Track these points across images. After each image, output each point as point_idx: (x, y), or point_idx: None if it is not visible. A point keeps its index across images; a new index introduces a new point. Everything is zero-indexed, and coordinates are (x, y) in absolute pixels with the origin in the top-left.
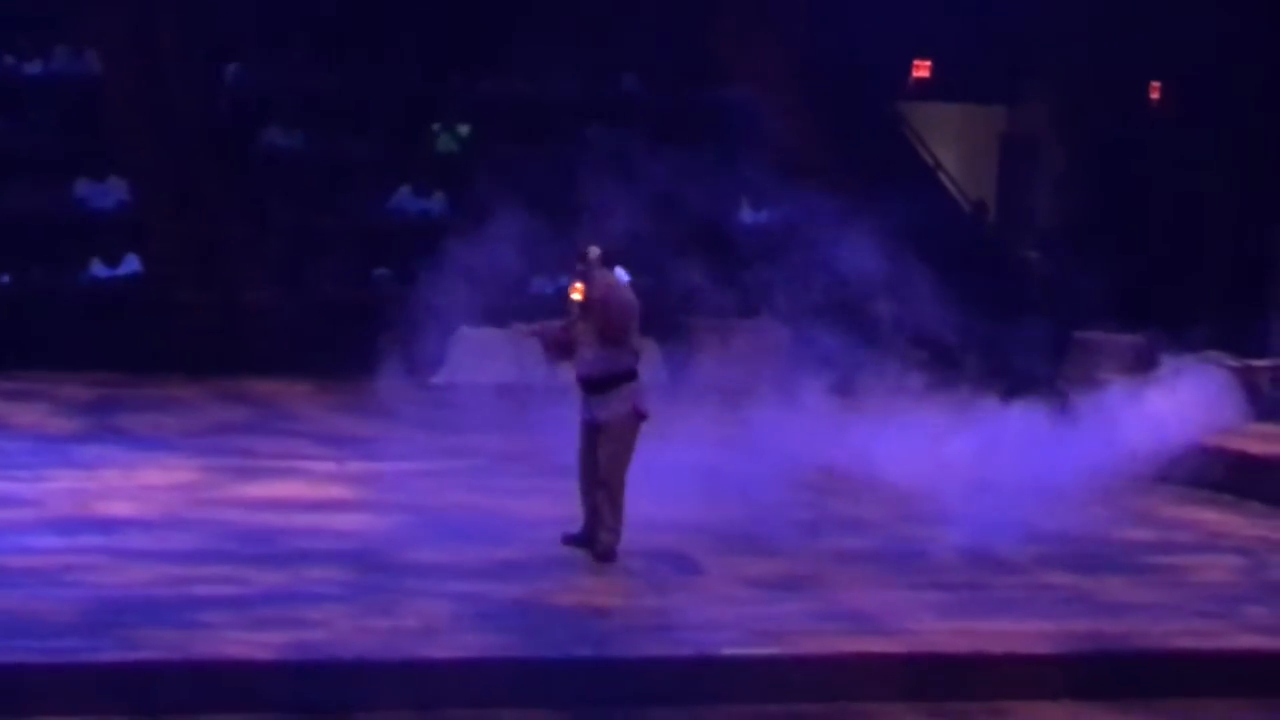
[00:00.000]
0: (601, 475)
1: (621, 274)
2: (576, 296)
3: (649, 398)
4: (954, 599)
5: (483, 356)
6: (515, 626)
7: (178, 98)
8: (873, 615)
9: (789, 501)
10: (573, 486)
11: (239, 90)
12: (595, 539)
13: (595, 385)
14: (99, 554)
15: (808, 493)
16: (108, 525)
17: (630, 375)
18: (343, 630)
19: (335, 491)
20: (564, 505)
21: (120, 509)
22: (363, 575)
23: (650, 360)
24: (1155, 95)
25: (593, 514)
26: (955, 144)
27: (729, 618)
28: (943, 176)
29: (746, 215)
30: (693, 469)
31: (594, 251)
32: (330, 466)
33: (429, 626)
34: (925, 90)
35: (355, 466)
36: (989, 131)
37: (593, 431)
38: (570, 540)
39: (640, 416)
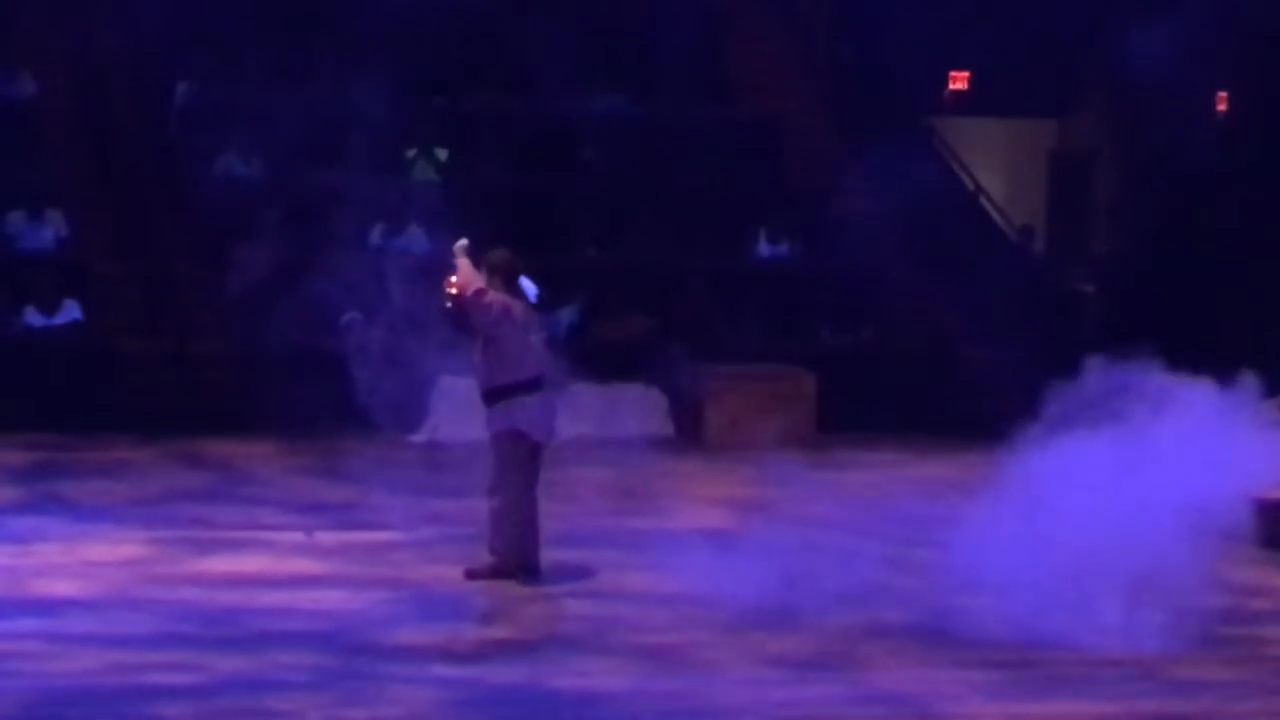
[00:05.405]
0: (489, 494)
1: (528, 286)
2: (451, 292)
3: (539, 418)
4: (1003, 678)
5: (468, 410)
6: (509, 715)
7: (122, 121)
8: (913, 697)
9: (815, 570)
10: (573, 556)
11: (191, 113)
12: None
13: (482, 398)
14: (38, 639)
15: (835, 561)
16: (48, 607)
17: (507, 391)
18: None
19: (304, 565)
20: (564, 578)
21: (62, 588)
22: (337, 660)
23: (656, 413)
24: (1222, 106)
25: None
26: (998, 164)
27: (751, 702)
28: (984, 201)
29: (764, 248)
30: (707, 536)
31: (496, 256)
32: (298, 537)
33: (412, 716)
34: (964, 104)
35: (326, 537)
36: (1036, 149)
37: None
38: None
39: (518, 436)
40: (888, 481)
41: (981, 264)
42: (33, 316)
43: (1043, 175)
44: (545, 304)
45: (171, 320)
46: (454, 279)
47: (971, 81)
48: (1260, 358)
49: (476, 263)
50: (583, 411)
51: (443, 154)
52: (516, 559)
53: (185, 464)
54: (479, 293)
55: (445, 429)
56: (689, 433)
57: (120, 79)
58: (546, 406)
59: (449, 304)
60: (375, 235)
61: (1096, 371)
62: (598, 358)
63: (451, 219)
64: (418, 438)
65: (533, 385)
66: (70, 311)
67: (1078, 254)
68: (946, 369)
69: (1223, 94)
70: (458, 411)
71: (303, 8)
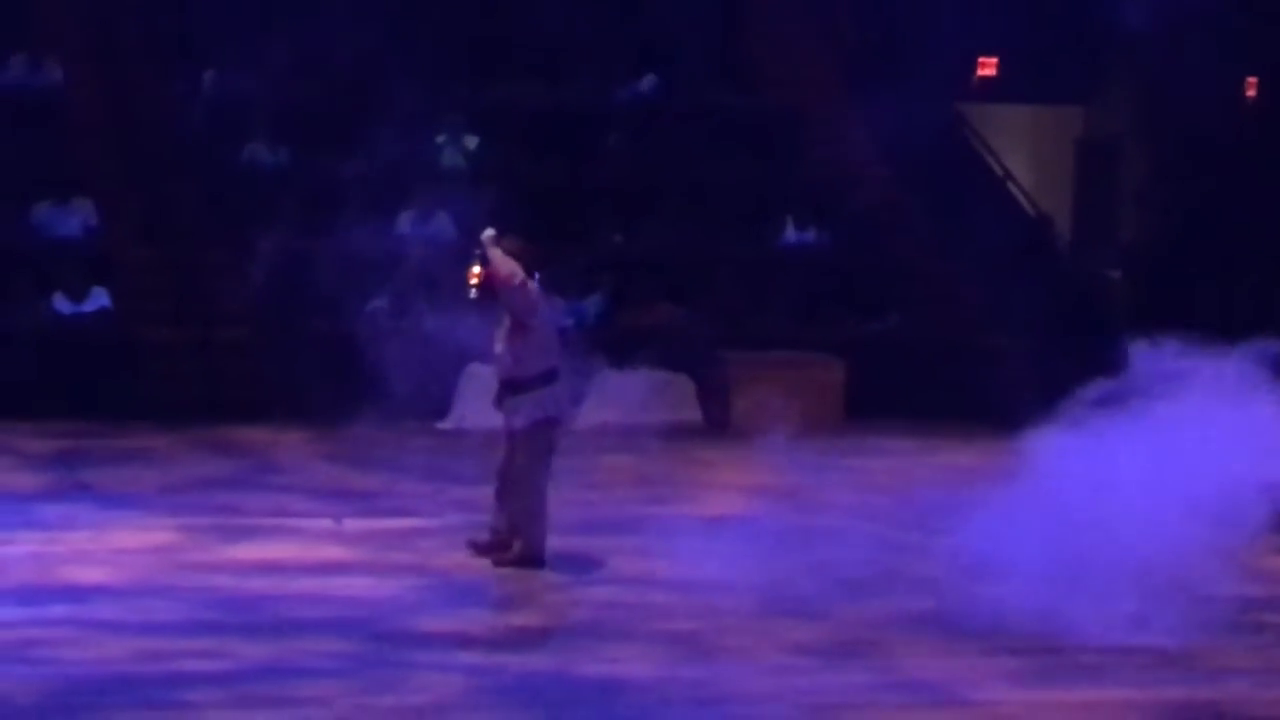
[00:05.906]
0: (515, 483)
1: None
2: (474, 282)
3: (565, 403)
4: (1029, 665)
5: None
6: (535, 702)
7: (148, 110)
8: (938, 685)
9: (841, 557)
10: (598, 543)
11: (216, 101)
12: (508, 546)
13: (507, 388)
14: (67, 626)
15: (861, 548)
16: (77, 593)
17: (539, 381)
18: (342, 709)
19: (331, 552)
20: (590, 565)
21: (90, 575)
22: (364, 647)
23: (683, 400)
24: (1251, 92)
25: (507, 522)
26: (1026, 150)
27: (777, 689)
28: (1012, 187)
29: (790, 235)
30: (733, 523)
31: (513, 244)
32: (326, 524)
33: (439, 704)
34: (992, 90)
35: (354, 524)
36: (1064, 136)
37: (510, 438)
38: (477, 549)
39: (551, 423)
40: (913, 468)
41: (1008, 251)
42: (61, 304)
43: (1070, 162)
44: (568, 292)
45: (198, 308)
46: (476, 269)
47: (1000, 67)
48: None
49: None
50: (609, 398)
51: (472, 142)
52: (542, 546)
53: (212, 451)
54: (522, 283)
55: (472, 417)
56: (716, 419)
57: (146, 67)
58: (568, 391)
59: (473, 293)
60: (403, 222)
61: (1137, 356)
62: (625, 345)
63: (479, 207)
64: (444, 425)
65: (556, 374)
66: (98, 299)
67: (1105, 241)
68: (973, 356)
69: (1251, 79)
70: (484, 400)
71: None
